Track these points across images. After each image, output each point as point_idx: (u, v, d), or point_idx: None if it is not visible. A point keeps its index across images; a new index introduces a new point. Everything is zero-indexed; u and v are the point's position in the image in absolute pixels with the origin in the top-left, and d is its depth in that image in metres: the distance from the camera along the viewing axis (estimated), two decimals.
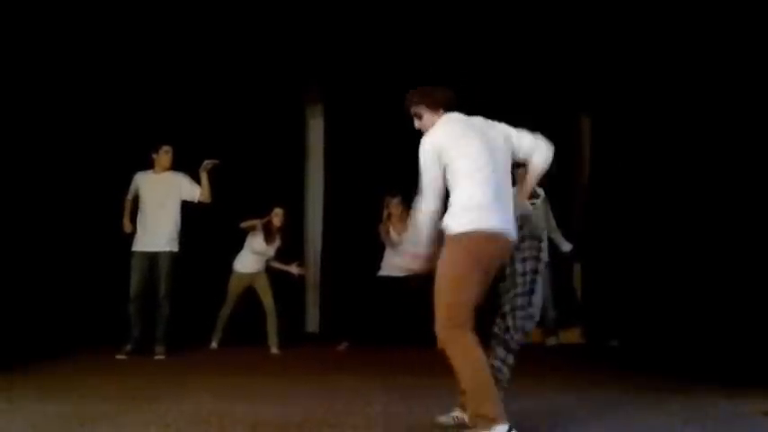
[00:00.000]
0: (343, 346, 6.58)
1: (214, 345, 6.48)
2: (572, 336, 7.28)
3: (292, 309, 7.36)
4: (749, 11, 5.33)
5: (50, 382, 4.52)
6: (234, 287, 6.49)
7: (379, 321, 6.62)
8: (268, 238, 6.48)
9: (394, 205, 6.65)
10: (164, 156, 6.03)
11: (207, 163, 6.00)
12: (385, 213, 6.67)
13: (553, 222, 6.95)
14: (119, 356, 5.70)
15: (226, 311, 6.51)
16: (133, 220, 6.02)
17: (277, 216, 6.55)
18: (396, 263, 6.68)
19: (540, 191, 6.89)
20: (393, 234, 6.63)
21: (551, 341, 6.85)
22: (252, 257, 6.49)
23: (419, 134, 3.29)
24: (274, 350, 6.32)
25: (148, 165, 6.09)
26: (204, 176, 6.02)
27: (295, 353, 6.32)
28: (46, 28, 5.94)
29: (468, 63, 7.21)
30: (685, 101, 6.19)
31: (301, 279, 7.17)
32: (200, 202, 6.07)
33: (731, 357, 5.23)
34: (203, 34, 7.01)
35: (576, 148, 7.92)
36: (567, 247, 6.96)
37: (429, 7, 6.76)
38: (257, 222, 6.43)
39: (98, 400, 3.90)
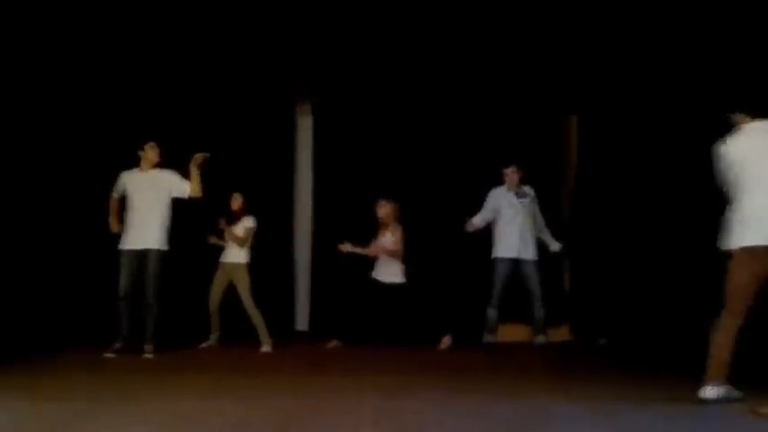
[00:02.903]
0: (332, 345, 6.58)
1: (212, 342, 6.47)
2: (560, 334, 7.30)
3: (282, 307, 7.35)
4: (735, 12, 5.37)
5: (38, 380, 4.51)
6: (216, 279, 6.49)
7: (370, 320, 6.61)
8: (232, 223, 6.48)
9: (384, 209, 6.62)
10: (150, 151, 5.95)
11: (197, 156, 5.91)
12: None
13: (542, 222, 6.98)
14: (107, 355, 5.67)
15: (213, 307, 6.48)
16: (121, 220, 5.98)
17: (235, 201, 6.51)
18: (390, 270, 6.65)
19: (530, 190, 6.92)
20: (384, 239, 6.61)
21: (539, 339, 6.87)
22: (230, 246, 6.50)
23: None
24: (265, 348, 6.28)
25: (136, 164, 6.03)
26: (194, 171, 5.95)
27: (284, 351, 6.30)
28: (32, 29, 5.89)
29: (456, 64, 7.21)
30: (672, 100, 6.23)
31: (291, 277, 7.14)
32: (190, 198, 6.01)
33: None
34: (192, 32, 6.98)
35: (564, 147, 7.93)
36: (555, 246, 7.00)
37: (417, 8, 6.77)
38: (226, 228, 6.44)
39: (85, 399, 3.88)
